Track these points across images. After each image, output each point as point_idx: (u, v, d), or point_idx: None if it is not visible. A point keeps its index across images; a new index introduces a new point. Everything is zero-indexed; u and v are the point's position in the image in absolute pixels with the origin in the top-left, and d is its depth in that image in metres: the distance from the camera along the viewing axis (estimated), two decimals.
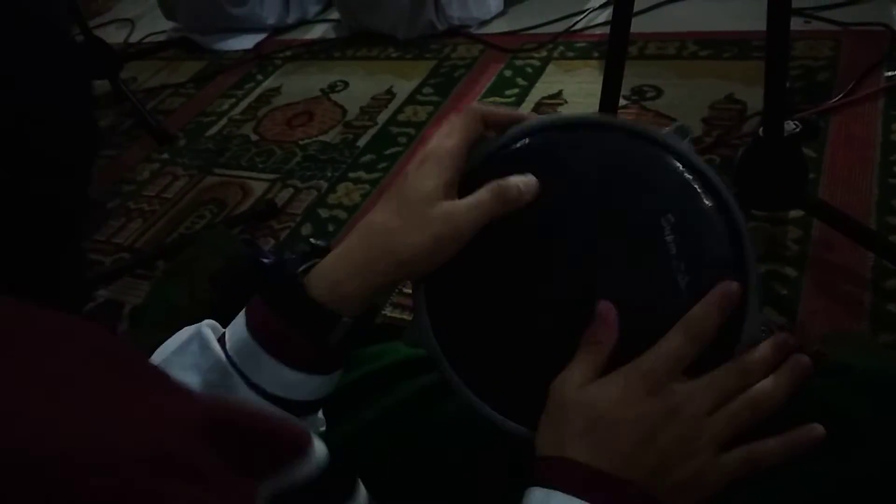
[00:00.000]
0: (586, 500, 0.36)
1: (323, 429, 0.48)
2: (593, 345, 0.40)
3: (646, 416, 0.38)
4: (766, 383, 0.39)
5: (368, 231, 0.42)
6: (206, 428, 0.25)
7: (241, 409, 0.29)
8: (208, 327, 0.44)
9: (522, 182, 0.42)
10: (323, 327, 0.41)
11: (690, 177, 0.43)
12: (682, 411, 0.38)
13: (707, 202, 0.43)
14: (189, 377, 0.43)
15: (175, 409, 0.26)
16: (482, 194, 0.41)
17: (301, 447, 0.31)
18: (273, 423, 0.31)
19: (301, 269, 0.43)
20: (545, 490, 0.37)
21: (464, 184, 0.43)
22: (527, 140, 0.45)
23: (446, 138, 0.43)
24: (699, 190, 0.43)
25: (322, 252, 0.44)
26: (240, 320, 0.43)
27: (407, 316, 0.99)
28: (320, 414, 0.48)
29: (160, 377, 0.28)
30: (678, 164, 0.43)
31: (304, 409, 0.44)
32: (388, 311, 1.01)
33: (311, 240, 0.44)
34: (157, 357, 0.45)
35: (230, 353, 0.42)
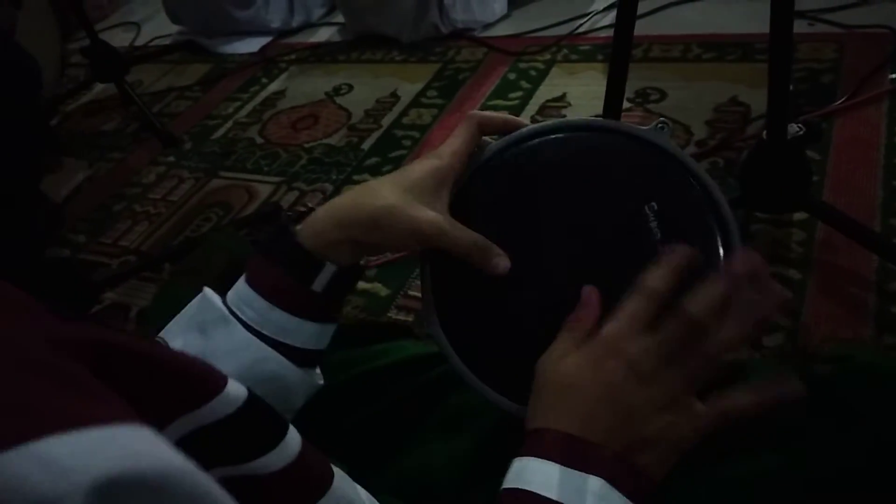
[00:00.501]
0: (559, 463, 0.38)
1: (321, 383, 0.51)
2: (573, 322, 0.43)
3: (607, 377, 0.40)
4: (712, 321, 0.40)
5: (361, 190, 0.47)
6: (92, 351, 0.26)
7: (139, 345, 0.29)
8: (210, 290, 0.48)
9: (501, 261, 0.46)
10: (309, 272, 0.46)
11: (670, 167, 0.47)
12: (640, 368, 0.40)
13: (688, 189, 0.46)
14: (189, 334, 0.46)
15: (57, 333, 0.26)
16: (471, 238, 0.46)
17: (213, 387, 0.32)
18: (180, 362, 0.31)
19: (294, 223, 0.47)
20: (521, 460, 0.39)
21: (462, 188, 0.49)
22: (518, 147, 0.50)
23: (449, 144, 0.48)
24: (680, 178, 0.47)
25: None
26: (241, 280, 0.48)
27: (410, 318, 1.00)
28: (318, 370, 0.51)
29: (44, 313, 0.28)
30: (658, 156, 0.47)
31: (302, 357, 0.47)
32: (392, 313, 1.02)
33: (309, 204, 0.49)
34: (166, 328, 0.49)
35: (230, 304, 0.47)
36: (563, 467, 0.37)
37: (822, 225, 0.95)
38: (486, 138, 0.51)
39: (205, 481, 0.24)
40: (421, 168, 0.47)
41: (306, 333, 0.47)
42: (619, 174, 0.48)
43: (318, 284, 0.46)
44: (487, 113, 0.49)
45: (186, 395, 0.31)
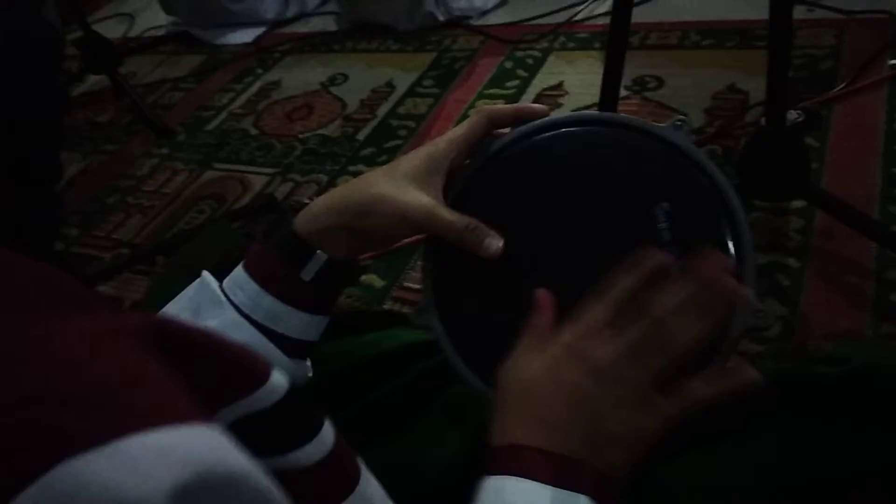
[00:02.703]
0: (537, 480, 0.37)
1: (310, 375, 0.51)
2: (529, 328, 0.43)
3: (568, 380, 0.39)
4: (676, 323, 0.39)
5: (355, 180, 0.48)
6: (158, 339, 0.26)
7: (197, 330, 0.30)
8: (209, 274, 0.48)
9: (492, 243, 0.45)
10: (300, 258, 0.46)
11: (685, 167, 0.45)
12: (601, 370, 0.39)
13: (700, 191, 0.44)
14: (183, 314, 0.47)
15: (121, 322, 0.26)
16: (461, 221, 0.45)
17: (259, 377, 0.32)
18: (233, 349, 0.31)
19: (294, 211, 0.48)
20: (498, 479, 0.38)
21: (469, 179, 0.48)
22: (529, 139, 0.48)
23: (451, 132, 0.48)
24: (693, 179, 0.45)
25: None
26: (239, 265, 0.48)
27: (405, 309, 0.99)
28: (308, 362, 0.51)
29: (107, 303, 0.29)
30: (673, 156, 0.45)
31: (291, 347, 0.47)
32: (388, 305, 1.01)
33: (313, 197, 0.49)
34: (161, 311, 0.49)
35: (225, 288, 0.47)
36: (543, 485, 0.37)
37: (821, 213, 0.95)
38: (499, 131, 0.50)
39: (266, 481, 0.25)
40: (414, 155, 0.47)
41: (296, 322, 0.47)
42: (631, 172, 0.46)
43: (308, 273, 0.46)
44: (499, 106, 0.49)
45: (238, 382, 0.31)
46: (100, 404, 0.22)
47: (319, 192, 1.30)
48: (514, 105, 0.50)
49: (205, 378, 0.28)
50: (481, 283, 0.46)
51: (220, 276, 0.48)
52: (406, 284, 1.02)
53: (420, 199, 0.45)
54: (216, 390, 0.30)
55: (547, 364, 0.40)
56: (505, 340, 0.45)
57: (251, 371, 0.32)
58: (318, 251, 0.46)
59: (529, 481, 0.37)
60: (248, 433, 0.30)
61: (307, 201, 0.51)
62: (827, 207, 0.91)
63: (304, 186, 1.34)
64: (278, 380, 0.33)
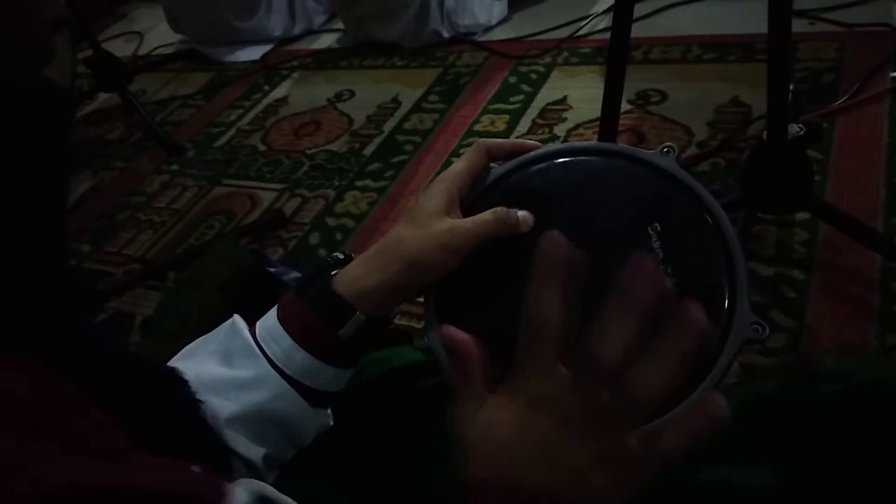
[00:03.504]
0: None
1: (330, 423, 0.51)
2: (465, 379, 0.39)
3: (540, 434, 0.36)
4: (646, 365, 0.35)
5: (386, 240, 0.48)
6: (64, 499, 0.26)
7: (122, 484, 0.29)
8: (240, 318, 0.49)
9: (521, 213, 0.47)
10: (339, 318, 0.47)
11: (674, 189, 0.47)
12: (568, 417, 0.35)
13: (690, 210, 0.47)
14: (212, 359, 0.48)
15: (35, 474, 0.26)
16: (486, 215, 0.47)
17: None
18: (175, 488, 0.30)
19: (333, 272, 0.49)
20: None
21: (469, 208, 0.50)
22: (523, 170, 0.51)
23: (453, 166, 0.50)
24: (682, 200, 0.47)
25: (350, 260, 0.50)
26: (271, 312, 0.49)
27: (414, 323, 1.00)
28: (329, 410, 0.51)
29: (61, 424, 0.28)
30: (663, 179, 0.48)
31: (317, 398, 0.48)
32: (396, 319, 1.02)
33: (345, 251, 0.50)
34: (184, 350, 0.50)
35: (258, 337, 0.47)
36: None
37: (825, 225, 0.95)
38: (494, 164, 0.52)
39: None
40: (428, 195, 0.48)
41: (326, 376, 0.48)
42: (621, 197, 0.48)
43: (346, 332, 0.47)
44: (495, 140, 0.51)
45: None
46: None
47: (327, 208, 1.32)
48: (511, 140, 0.52)
49: None
50: (482, 308, 0.47)
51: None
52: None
53: (451, 224, 0.47)
54: None
55: (511, 416, 0.37)
56: (507, 362, 0.46)
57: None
58: (358, 312, 0.47)
59: None
60: None
61: (342, 256, 0.52)
62: (831, 220, 0.92)
63: (311, 202, 1.35)
64: (240, 500, 0.32)
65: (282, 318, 0.48)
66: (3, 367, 0.29)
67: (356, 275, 0.47)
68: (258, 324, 0.49)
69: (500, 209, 0.47)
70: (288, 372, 0.46)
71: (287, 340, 0.47)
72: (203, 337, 0.50)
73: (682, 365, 0.34)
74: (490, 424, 0.38)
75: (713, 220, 0.46)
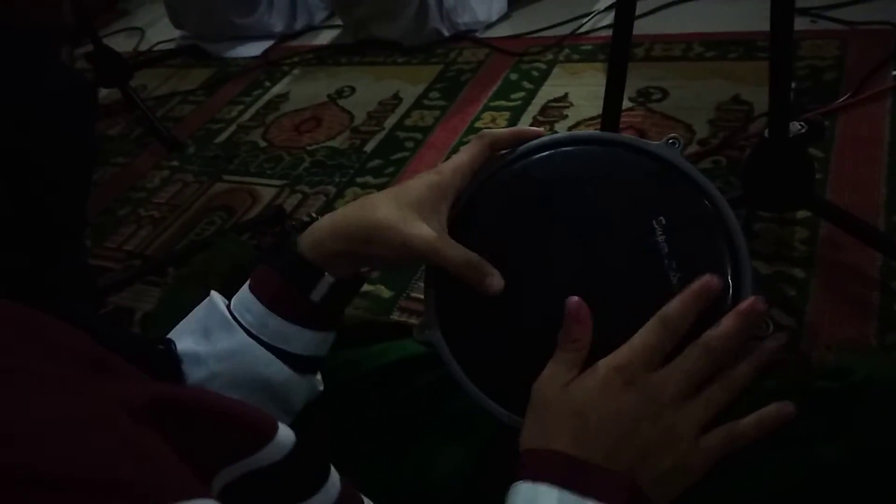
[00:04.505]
0: (574, 491, 0.36)
1: (321, 389, 0.51)
2: (570, 342, 0.42)
3: (625, 408, 0.39)
4: (736, 362, 0.40)
5: (361, 206, 0.47)
6: (153, 411, 0.26)
7: (198, 396, 0.30)
8: (217, 294, 0.49)
9: (494, 278, 0.45)
10: (308, 281, 0.46)
11: (679, 182, 0.46)
12: (660, 400, 0.39)
13: (696, 204, 0.46)
14: (194, 336, 0.48)
15: (123, 395, 0.26)
16: (461, 253, 0.45)
17: (265, 434, 0.32)
18: (236, 410, 0.32)
19: (297, 232, 0.48)
20: (531, 484, 0.37)
21: (471, 200, 0.49)
22: (527, 159, 0.50)
23: (455, 158, 0.48)
24: (688, 193, 0.46)
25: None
26: (245, 285, 0.49)
27: (412, 320, 1.00)
28: (318, 376, 0.51)
29: (115, 364, 0.29)
30: (668, 171, 0.47)
31: (302, 364, 0.48)
32: (395, 315, 1.02)
33: (313, 213, 0.49)
34: (173, 331, 0.50)
35: (233, 309, 0.48)
36: (561, 490, 0.36)
37: (826, 223, 0.95)
38: (500, 153, 0.51)
39: None
40: (420, 183, 0.47)
41: (305, 340, 0.48)
42: (627, 188, 0.47)
43: (317, 294, 0.47)
44: (498, 130, 0.50)
45: (239, 442, 0.31)
46: (97, 487, 0.21)
47: (328, 204, 1.32)
48: (513, 128, 0.50)
49: (207, 441, 0.29)
50: (485, 301, 0.46)
51: (229, 289, 0.49)
52: (413, 295, 1.03)
53: (423, 230, 0.44)
54: (220, 451, 0.30)
55: (599, 386, 0.40)
56: (508, 356, 0.46)
57: (256, 430, 0.32)
58: (326, 274, 0.46)
59: (568, 492, 0.36)
60: (256, 487, 0.31)
61: (307, 219, 0.52)
62: (831, 218, 0.92)
63: (312, 198, 1.35)
64: (285, 435, 0.33)
65: (252, 287, 0.48)
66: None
67: (321, 236, 0.46)
68: (233, 298, 0.49)
69: (479, 263, 0.45)
70: (264, 339, 0.46)
71: (259, 307, 0.46)
72: (186, 318, 0.50)
73: (766, 362, 0.41)
74: (575, 387, 0.40)
75: (719, 215, 0.45)
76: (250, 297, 0.47)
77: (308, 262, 0.46)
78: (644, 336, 0.40)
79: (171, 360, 0.46)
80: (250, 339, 0.46)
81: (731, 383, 0.40)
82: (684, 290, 0.41)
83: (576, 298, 0.42)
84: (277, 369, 0.46)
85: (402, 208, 0.45)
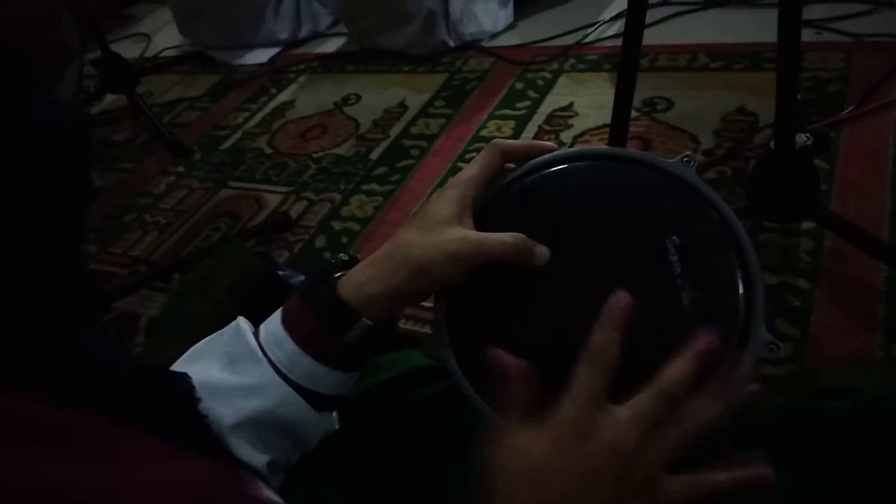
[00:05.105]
0: None
1: (336, 427, 0.51)
2: (508, 402, 0.40)
3: (580, 462, 0.37)
4: (694, 403, 0.38)
5: (393, 244, 0.47)
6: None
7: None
8: (245, 321, 0.48)
9: (540, 248, 0.45)
10: (344, 324, 0.46)
11: (694, 201, 0.46)
12: (616, 449, 0.37)
13: (710, 224, 0.45)
14: (216, 362, 0.47)
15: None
16: (505, 237, 0.45)
17: None
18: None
19: (337, 273, 0.47)
20: None
21: (482, 211, 0.48)
22: (540, 172, 0.49)
23: (467, 170, 0.48)
24: (702, 213, 0.45)
25: (355, 262, 0.49)
26: (275, 316, 0.48)
27: (422, 328, 1.00)
28: (335, 414, 0.50)
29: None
30: (682, 190, 0.46)
31: (323, 403, 0.48)
32: (402, 323, 1.02)
33: (350, 252, 0.48)
34: (189, 351, 0.49)
35: (262, 342, 0.47)
36: None
37: (831, 234, 0.95)
38: (510, 165, 0.50)
39: None
40: (440, 202, 0.47)
41: (332, 381, 0.47)
42: (640, 206, 0.46)
43: (351, 338, 0.46)
44: (511, 141, 0.49)
45: None
46: None
47: (333, 211, 1.32)
48: (528, 141, 0.50)
49: None
50: (495, 318, 0.46)
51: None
52: (423, 304, 1.03)
53: (462, 233, 0.45)
54: None
55: (554, 443, 0.38)
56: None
57: None
58: (364, 318, 0.45)
59: None
60: None
61: (346, 258, 0.51)
62: (836, 229, 0.92)
63: (318, 205, 1.36)
64: None
65: (286, 323, 0.47)
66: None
67: (361, 280, 0.46)
68: (262, 327, 0.48)
69: (521, 236, 0.45)
70: (292, 378, 0.46)
71: (291, 346, 0.46)
72: (207, 339, 0.49)
73: (733, 398, 0.38)
74: (526, 451, 0.38)
75: (732, 235, 0.44)
76: (282, 332, 0.46)
77: (346, 304, 0.46)
78: (579, 381, 0.39)
79: (186, 400, 0.45)
80: (278, 378, 0.46)
81: (686, 424, 0.38)
82: (600, 320, 0.40)
83: (513, 360, 0.41)
84: (300, 409, 0.46)
85: (435, 229, 0.45)
